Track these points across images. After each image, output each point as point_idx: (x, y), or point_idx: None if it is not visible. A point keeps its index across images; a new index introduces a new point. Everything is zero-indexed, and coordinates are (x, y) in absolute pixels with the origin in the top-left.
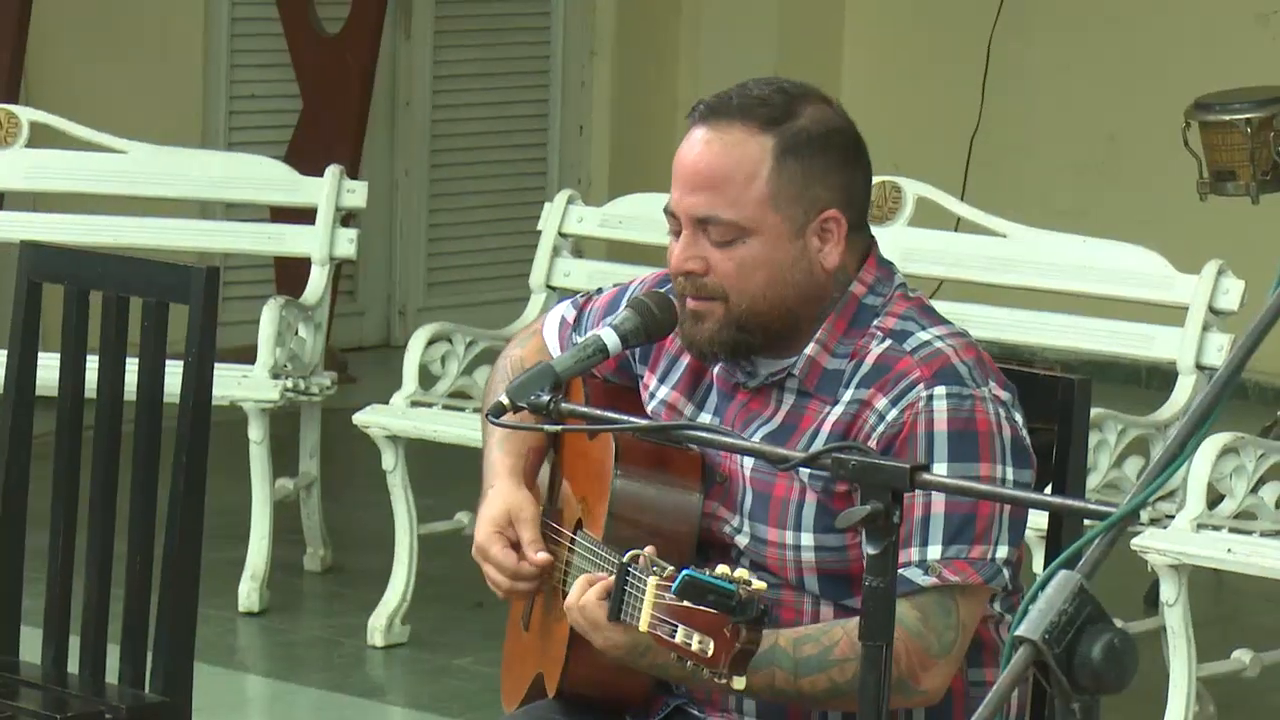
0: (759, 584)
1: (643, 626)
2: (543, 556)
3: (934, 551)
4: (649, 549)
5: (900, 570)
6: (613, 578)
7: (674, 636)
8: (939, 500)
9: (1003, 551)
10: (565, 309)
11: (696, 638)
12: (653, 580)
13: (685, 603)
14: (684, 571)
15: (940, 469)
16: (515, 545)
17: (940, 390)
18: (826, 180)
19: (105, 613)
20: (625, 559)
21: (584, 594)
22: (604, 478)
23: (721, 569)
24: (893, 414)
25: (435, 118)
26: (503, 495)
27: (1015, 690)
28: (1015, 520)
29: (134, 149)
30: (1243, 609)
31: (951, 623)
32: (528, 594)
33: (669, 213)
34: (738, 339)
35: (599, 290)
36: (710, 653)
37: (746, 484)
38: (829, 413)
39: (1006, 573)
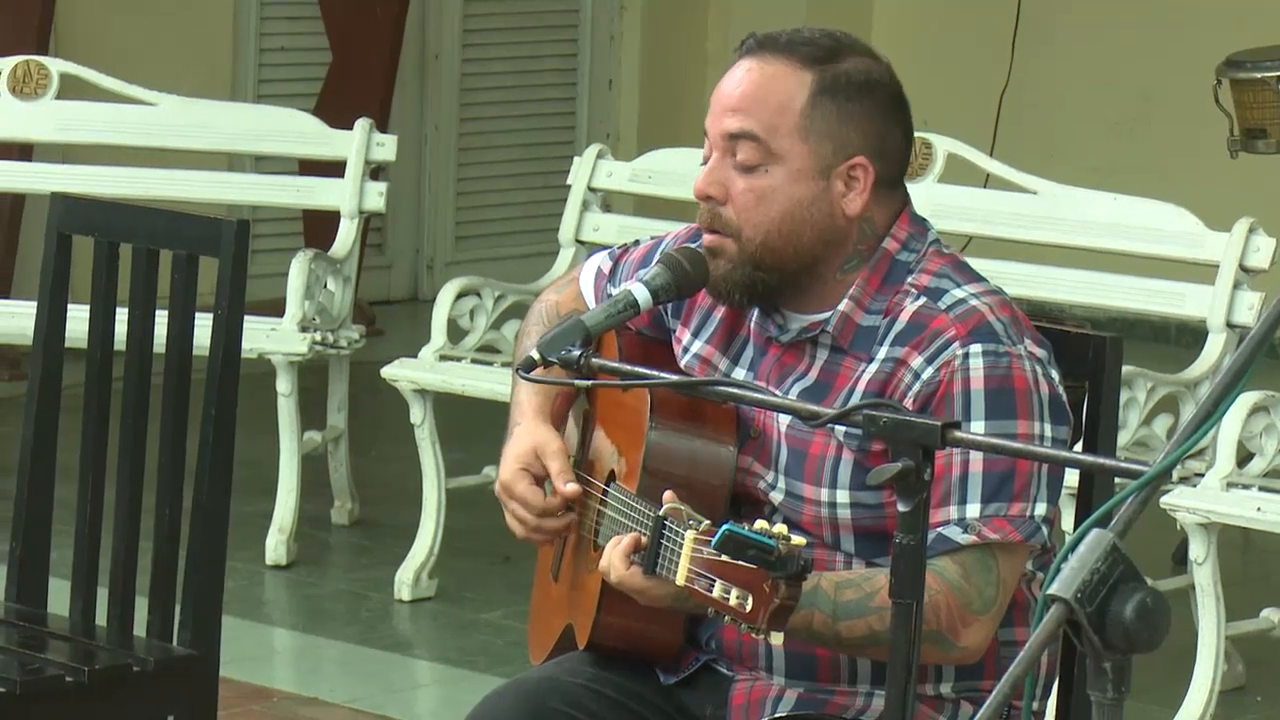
0: (799, 540)
1: (680, 580)
2: (572, 487)
3: (973, 509)
4: (669, 494)
5: (940, 529)
6: (630, 536)
7: (711, 591)
8: (977, 458)
9: (1041, 509)
10: (602, 259)
11: (735, 592)
12: (690, 534)
13: (724, 557)
14: (725, 526)
15: (978, 427)
16: (540, 482)
17: (976, 348)
18: (860, 126)
19: (133, 565)
20: (662, 512)
21: (610, 562)
22: (639, 429)
23: (760, 524)
24: (929, 372)
25: (465, 71)
26: (529, 432)
27: (1046, 649)
28: (1053, 477)
29: (163, 101)
30: (1271, 568)
31: (992, 579)
32: (551, 534)
33: (705, 134)
34: (754, 278)
35: (636, 242)
36: (749, 607)
37: (782, 440)
38: (864, 370)
39: (1045, 530)
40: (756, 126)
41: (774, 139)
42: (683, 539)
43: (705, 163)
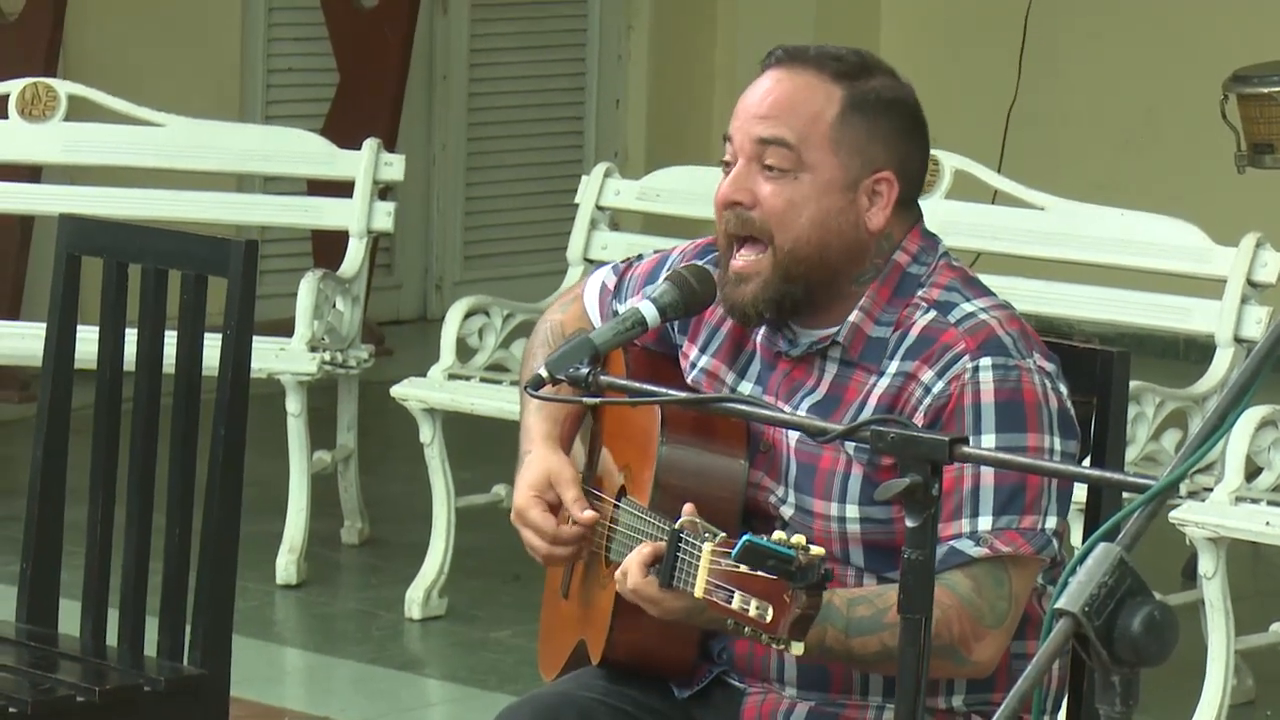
0: (817, 550)
1: (698, 593)
2: (589, 514)
3: (985, 523)
4: (689, 507)
5: (951, 542)
6: (651, 545)
7: (730, 602)
8: (988, 471)
9: (1052, 521)
10: (606, 275)
11: (754, 603)
12: (708, 546)
13: (742, 568)
14: (745, 537)
15: (988, 440)
16: (554, 509)
17: (986, 361)
18: (887, 143)
19: (144, 585)
20: (677, 526)
21: (625, 569)
22: (650, 445)
23: (779, 534)
24: (939, 386)
25: (473, 91)
26: (541, 459)
27: (1055, 663)
28: (1063, 491)
29: (172, 122)
30: None
31: (1004, 593)
32: (566, 559)
33: (727, 139)
34: (783, 292)
35: (639, 257)
36: (769, 618)
37: (791, 455)
38: (874, 384)
39: (1055, 543)
40: (788, 134)
41: (805, 148)
42: (699, 551)
43: (726, 169)
